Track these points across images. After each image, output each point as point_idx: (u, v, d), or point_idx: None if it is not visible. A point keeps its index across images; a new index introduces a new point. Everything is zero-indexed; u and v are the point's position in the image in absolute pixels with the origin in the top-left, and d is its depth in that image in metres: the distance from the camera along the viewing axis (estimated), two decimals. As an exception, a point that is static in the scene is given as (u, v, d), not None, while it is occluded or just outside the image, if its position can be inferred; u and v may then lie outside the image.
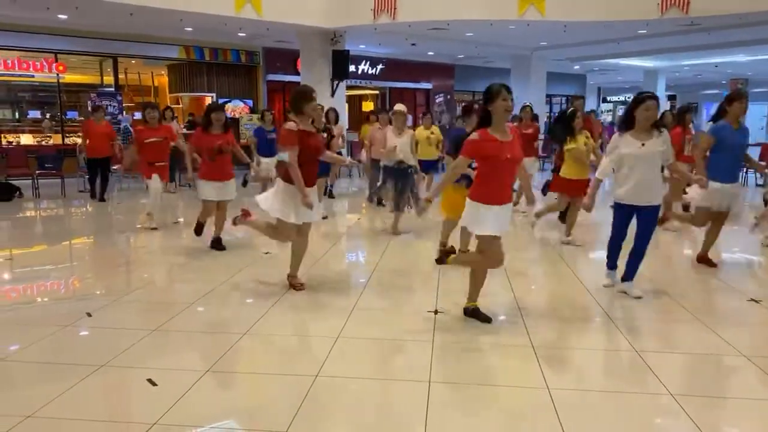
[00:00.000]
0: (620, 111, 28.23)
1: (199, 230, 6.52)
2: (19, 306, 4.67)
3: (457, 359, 3.64)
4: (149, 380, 3.24)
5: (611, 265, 5.03)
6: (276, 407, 3.04)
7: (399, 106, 7.33)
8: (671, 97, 25.65)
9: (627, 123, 4.65)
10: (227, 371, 3.45)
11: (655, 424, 2.92)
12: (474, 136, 3.93)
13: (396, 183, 7.09)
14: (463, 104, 5.88)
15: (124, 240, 7.45)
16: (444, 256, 5.03)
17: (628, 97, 28.70)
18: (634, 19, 11.23)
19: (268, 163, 9.10)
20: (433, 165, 9.66)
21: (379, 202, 9.12)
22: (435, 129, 9.64)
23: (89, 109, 13.37)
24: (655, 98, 4.64)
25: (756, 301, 4.72)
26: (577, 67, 20.89)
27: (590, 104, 25.47)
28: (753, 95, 24.04)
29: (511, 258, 6.08)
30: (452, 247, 5.89)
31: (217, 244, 6.41)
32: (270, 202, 4.73)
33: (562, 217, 7.26)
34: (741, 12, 10.40)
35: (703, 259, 5.77)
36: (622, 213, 4.76)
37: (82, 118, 13.58)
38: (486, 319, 4.19)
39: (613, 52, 16.81)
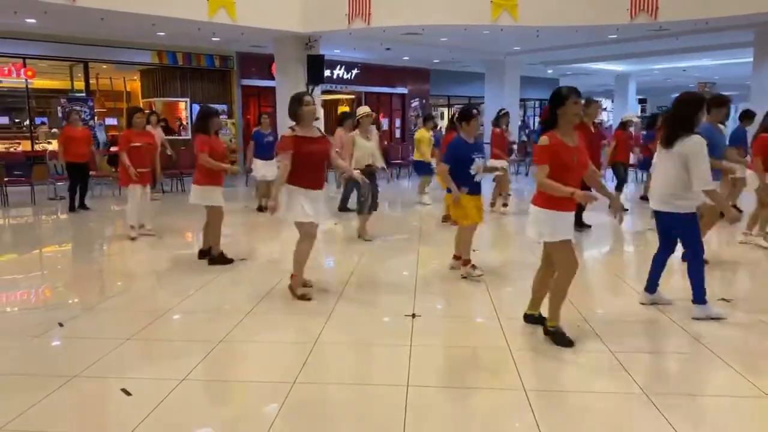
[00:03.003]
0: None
1: (218, 258, 6.03)
2: (-12, 317, 4.56)
3: (435, 363, 3.66)
4: (123, 390, 3.19)
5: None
6: (253, 415, 3.02)
7: (365, 109, 7.32)
8: (642, 101, 26.16)
9: (694, 125, 4.26)
10: (203, 379, 3.41)
11: (632, 425, 2.97)
12: (544, 140, 3.72)
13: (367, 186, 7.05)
14: (461, 109, 5.88)
15: (98, 248, 7.33)
16: (537, 320, 4.20)
17: (600, 101, 29.19)
18: (605, 24, 11.43)
19: (264, 166, 9.17)
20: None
21: (343, 209, 9.29)
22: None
23: (60, 116, 13.16)
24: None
25: (726, 300, 4.82)
26: (550, 71, 21.18)
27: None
28: (720, 98, 24.64)
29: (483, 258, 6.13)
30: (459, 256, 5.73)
31: (205, 255, 6.13)
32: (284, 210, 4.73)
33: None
34: (707, 17, 10.66)
35: None
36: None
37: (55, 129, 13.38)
38: (569, 343, 3.85)
39: (585, 56, 17.10)
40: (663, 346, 3.94)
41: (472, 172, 5.36)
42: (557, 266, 3.91)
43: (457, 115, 7.33)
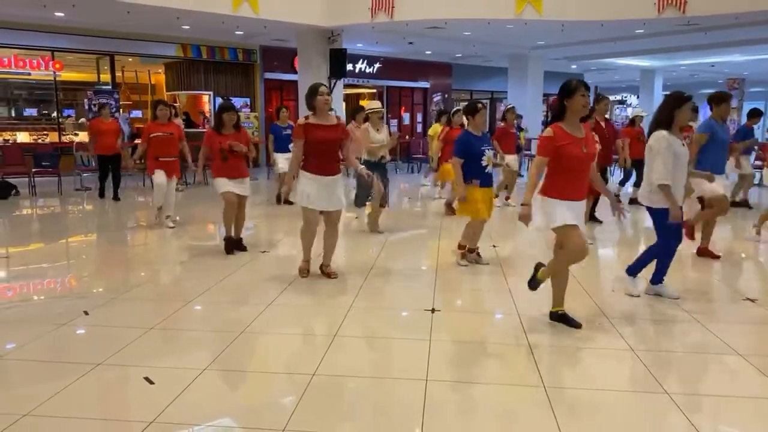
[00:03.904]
0: (618, 110, 28.29)
1: (228, 247, 6.13)
2: (16, 304, 4.66)
3: (454, 357, 3.65)
4: (146, 378, 3.24)
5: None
6: (273, 406, 3.05)
7: (376, 103, 7.39)
8: (668, 97, 25.69)
9: (667, 122, 4.41)
10: (224, 369, 3.45)
11: (652, 422, 2.93)
12: (548, 132, 3.81)
13: (380, 178, 7.12)
14: (467, 103, 5.97)
15: (122, 238, 7.45)
16: (534, 279, 4.30)
17: (625, 96, 28.81)
18: (632, 19, 11.25)
19: (284, 159, 9.26)
20: None
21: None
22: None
23: (87, 108, 13.37)
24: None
25: (751, 300, 4.74)
26: (574, 66, 20.91)
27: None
28: (749, 95, 24.14)
29: (507, 251, 6.10)
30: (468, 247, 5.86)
31: (237, 245, 6.24)
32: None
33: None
34: (738, 12, 10.43)
35: (705, 252, 5.98)
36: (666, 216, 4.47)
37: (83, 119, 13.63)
38: (576, 325, 4.03)
39: (611, 51, 16.83)
40: (684, 345, 3.89)
41: (484, 163, 5.48)
42: (566, 247, 3.92)
43: (452, 111, 8.48)
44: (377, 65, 18.27)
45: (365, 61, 17.87)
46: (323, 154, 4.97)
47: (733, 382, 3.37)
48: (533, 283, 4.28)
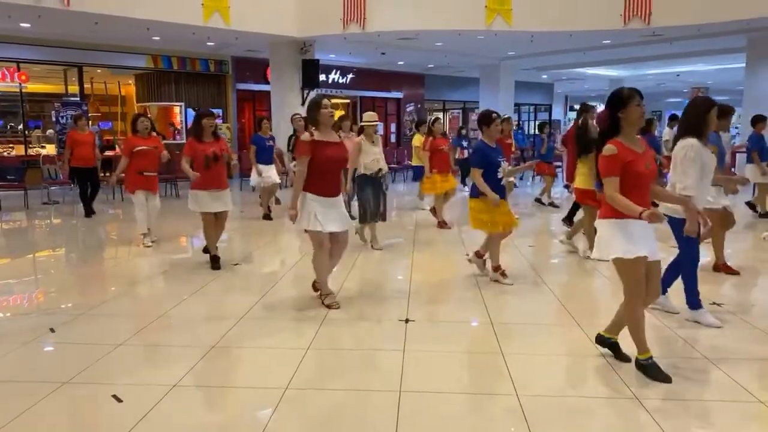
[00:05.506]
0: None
1: (215, 263, 5.98)
2: (-21, 322, 4.54)
3: (428, 368, 3.65)
4: (114, 396, 3.17)
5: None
6: (244, 421, 3.01)
7: (373, 116, 7.30)
8: (636, 106, 26.25)
9: (698, 128, 4.15)
10: (195, 385, 3.40)
11: (625, 429, 2.97)
12: (610, 149, 3.32)
13: (376, 192, 7.05)
14: (481, 112, 5.63)
15: (91, 252, 7.30)
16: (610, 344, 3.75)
17: (595, 105, 29.36)
18: (598, 29, 11.49)
19: (267, 170, 9.20)
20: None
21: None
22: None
23: (54, 120, 13.12)
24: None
25: (718, 305, 4.83)
26: (544, 76, 21.27)
27: (557, 113, 25.94)
28: (714, 103, 24.68)
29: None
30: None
31: (214, 263, 6.01)
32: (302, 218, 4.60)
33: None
34: (700, 23, 10.74)
35: (723, 268, 5.82)
36: None
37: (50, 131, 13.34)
38: (666, 379, 3.41)
39: (580, 61, 17.19)
40: (656, 352, 3.94)
41: (500, 175, 5.31)
42: (624, 283, 3.47)
43: (432, 120, 8.94)
44: (350, 76, 18.33)
45: (338, 72, 17.91)
46: (328, 175, 4.60)
47: (702, 387, 3.43)
48: (614, 351, 3.74)
